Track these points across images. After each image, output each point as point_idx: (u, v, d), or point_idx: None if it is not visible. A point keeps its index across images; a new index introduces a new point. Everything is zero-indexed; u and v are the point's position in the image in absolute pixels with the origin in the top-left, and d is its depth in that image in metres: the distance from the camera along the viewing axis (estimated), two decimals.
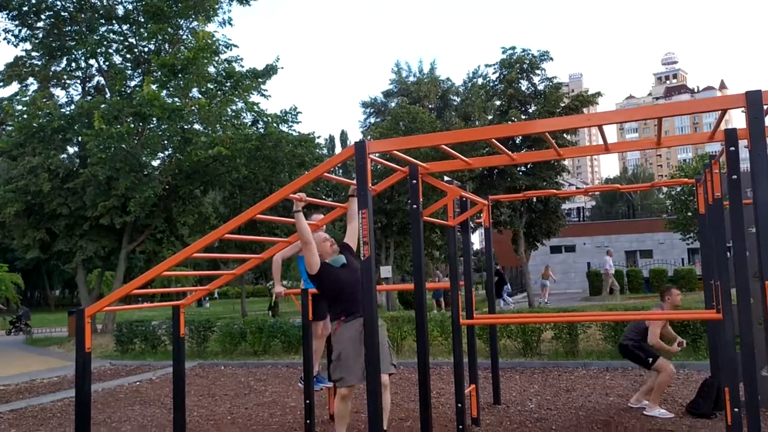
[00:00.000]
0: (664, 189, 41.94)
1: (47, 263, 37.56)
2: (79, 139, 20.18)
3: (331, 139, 63.99)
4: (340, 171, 34.80)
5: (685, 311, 8.20)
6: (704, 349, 9.06)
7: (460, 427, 5.72)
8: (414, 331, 9.24)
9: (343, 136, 64.46)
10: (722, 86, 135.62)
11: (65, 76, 21.42)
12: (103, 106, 18.65)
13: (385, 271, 24.97)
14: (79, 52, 20.21)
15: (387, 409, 4.93)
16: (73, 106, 20.52)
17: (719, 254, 5.15)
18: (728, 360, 5.04)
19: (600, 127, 4.58)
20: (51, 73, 21.03)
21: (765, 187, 3.57)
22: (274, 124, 21.77)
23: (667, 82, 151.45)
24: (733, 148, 4.23)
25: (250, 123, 22.54)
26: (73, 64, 21.25)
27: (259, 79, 22.09)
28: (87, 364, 4.79)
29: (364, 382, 4.43)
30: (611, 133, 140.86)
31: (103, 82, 21.50)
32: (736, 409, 4.89)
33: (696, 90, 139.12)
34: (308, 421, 6.31)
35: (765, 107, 3.69)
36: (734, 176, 4.20)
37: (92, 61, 21.05)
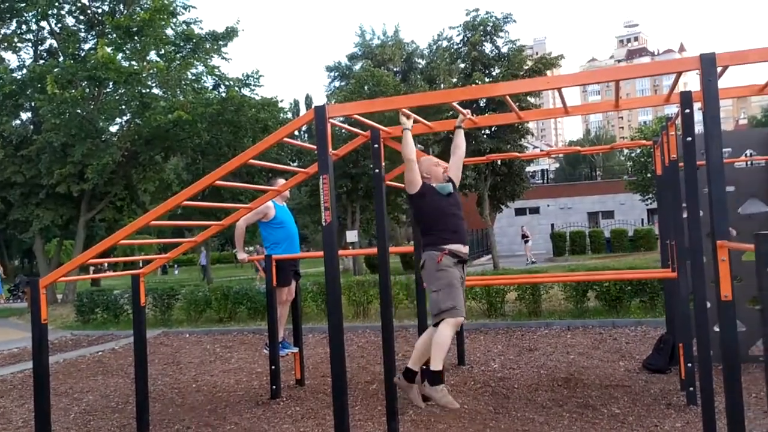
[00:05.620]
0: (625, 151, 42.62)
1: (4, 233, 36.64)
2: (32, 104, 19.57)
3: (296, 103, 63.01)
4: (306, 136, 34.46)
5: (641, 270, 8.42)
6: (660, 307, 9.32)
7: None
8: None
9: (308, 100, 63.51)
10: (681, 49, 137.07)
11: (16, 39, 20.60)
12: (56, 69, 18.02)
13: (351, 235, 25.00)
14: (30, 13, 19.45)
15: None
16: (24, 71, 19.83)
17: (675, 215, 5.26)
18: (682, 317, 5.20)
19: (559, 90, 4.59)
20: (1, 36, 20.23)
21: (717, 149, 3.63)
22: (236, 88, 21.38)
23: (629, 44, 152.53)
24: (687, 111, 4.28)
25: (211, 87, 22.10)
26: (24, 27, 20.47)
27: (220, 42, 21.60)
28: (44, 336, 4.71)
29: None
30: (574, 95, 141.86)
31: (55, 45, 20.77)
32: (689, 364, 5.07)
33: (656, 53, 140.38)
34: (274, 387, 6.34)
35: (719, 69, 3.72)
36: (689, 138, 4.27)
37: (44, 24, 20.35)
